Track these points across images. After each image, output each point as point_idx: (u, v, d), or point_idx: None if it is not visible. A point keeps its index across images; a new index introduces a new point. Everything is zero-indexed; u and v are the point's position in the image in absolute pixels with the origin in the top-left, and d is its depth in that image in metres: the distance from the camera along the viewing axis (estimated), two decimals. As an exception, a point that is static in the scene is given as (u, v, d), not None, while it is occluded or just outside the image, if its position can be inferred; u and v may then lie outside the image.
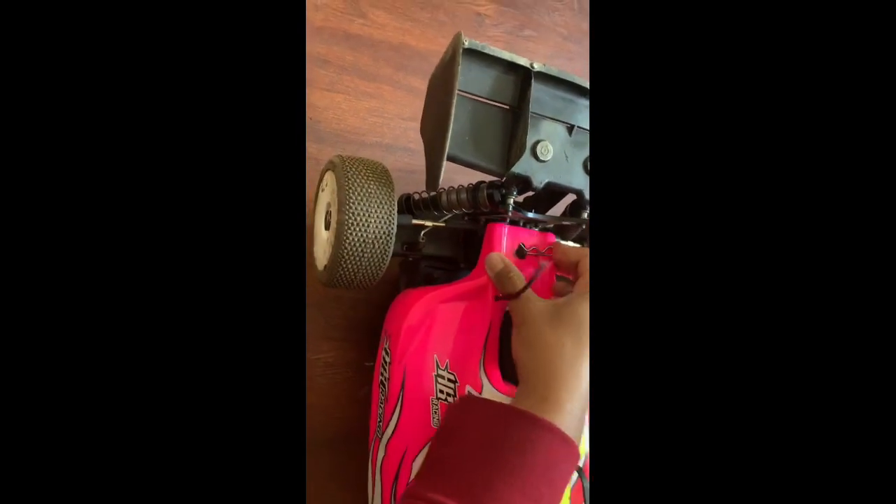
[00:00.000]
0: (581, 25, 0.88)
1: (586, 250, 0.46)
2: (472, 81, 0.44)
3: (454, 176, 0.56)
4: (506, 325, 0.48)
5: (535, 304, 0.43)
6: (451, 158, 0.44)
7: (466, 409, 0.40)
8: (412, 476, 0.47)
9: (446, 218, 0.55)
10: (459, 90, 0.43)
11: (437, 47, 0.75)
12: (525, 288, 0.44)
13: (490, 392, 0.46)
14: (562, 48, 0.86)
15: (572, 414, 0.38)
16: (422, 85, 0.52)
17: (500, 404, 0.39)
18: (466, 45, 0.41)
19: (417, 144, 0.73)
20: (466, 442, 0.37)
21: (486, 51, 0.43)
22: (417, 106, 0.55)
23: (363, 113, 0.70)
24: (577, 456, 0.38)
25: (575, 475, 0.48)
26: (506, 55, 0.44)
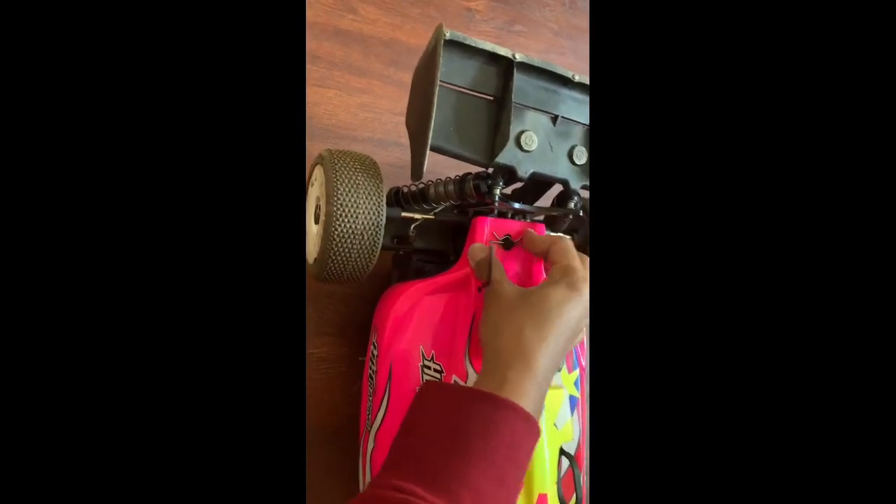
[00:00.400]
0: (572, 21, 0.88)
1: (556, 238, 0.46)
2: (454, 72, 0.44)
3: (444, 171, 0.56)
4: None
5: (504, 289, 0.43)
6: (436, 149, 0.44)
7: (428, 396, 0.40)
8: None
9: (436, 211, 0.56)
10: (442, 81, 0.43)
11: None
12: (489, 276, 0.45)
13: (475, 380, 0.46)
14: (553, 43, 0.87)
15: (531, 397, 0.38)
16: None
17: (462, 387, 0.40)
18: (448, 36, 0.42)
19: (408, 140, 0.73)
20: (430, 428, 0.37)
21: (467, 42, 0.43)
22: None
23: (354, 108, 0.70)
24: (538, 433, 0.38)
25: (566, 463, 0.48)
26: (487, 46, 0.44)
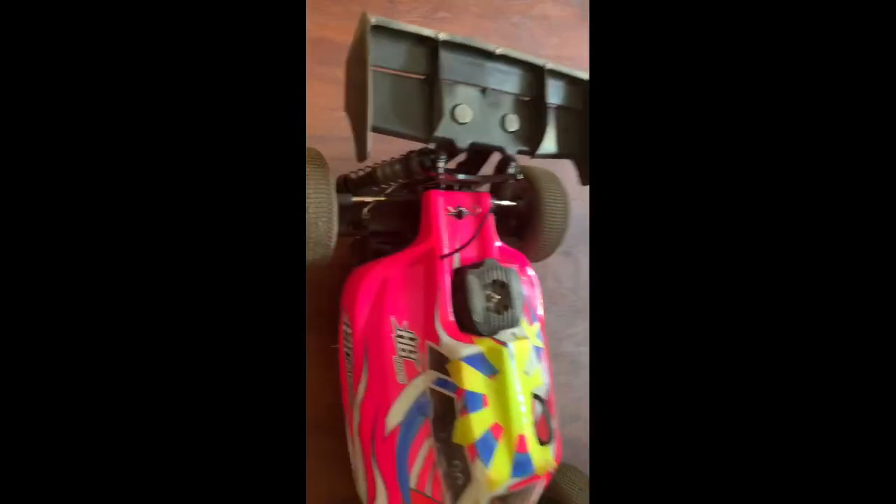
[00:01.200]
0: (493, 2, 0.92)
1: None
2: (385, 57, 0.47)
3: (382, 156, 0.58)
4: (456, 281, 0.52)
5: None
6: (377, 129, 0.47)
7: None
8: (386, 432, 0.50)
9: (387, 192, 0.58)
10: (376, 66, 0.45)
11: (356, 38, 0.77)
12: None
13: (448, 342, 0.49)
14: (478, 26, 0.90)
15: None
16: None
17: None
18: (373, 21, 0.44)
19: (350, 133, 0.75)
20: None
21: (392, 26, 0.46)
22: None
23: (293, 109, 0.72)
24: None
25: (540, 408, 0.52)
26: (412, 28, 0.47)
